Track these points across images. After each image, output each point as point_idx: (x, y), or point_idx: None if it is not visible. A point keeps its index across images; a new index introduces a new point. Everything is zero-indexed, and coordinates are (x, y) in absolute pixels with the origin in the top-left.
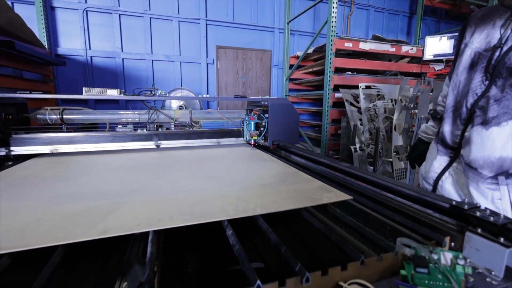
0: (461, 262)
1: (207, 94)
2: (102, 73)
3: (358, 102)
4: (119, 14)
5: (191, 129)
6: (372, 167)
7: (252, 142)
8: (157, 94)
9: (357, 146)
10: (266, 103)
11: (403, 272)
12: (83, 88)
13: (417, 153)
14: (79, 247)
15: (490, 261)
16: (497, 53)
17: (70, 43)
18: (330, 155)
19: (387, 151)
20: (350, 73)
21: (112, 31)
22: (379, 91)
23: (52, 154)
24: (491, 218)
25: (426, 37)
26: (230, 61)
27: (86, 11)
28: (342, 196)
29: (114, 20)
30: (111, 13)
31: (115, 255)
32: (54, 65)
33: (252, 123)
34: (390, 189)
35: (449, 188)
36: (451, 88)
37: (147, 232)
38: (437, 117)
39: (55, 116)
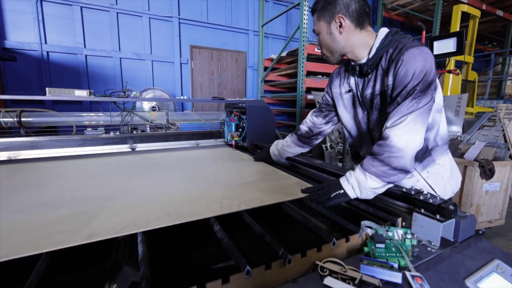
0: (409, 236)
1: (182, 94)
2: (61, 70)
3: None
4: (81, 7)
5: (168, 131)
6: (341, 164)
7: (233, 142)
8: (131, 95)
9: (328, 144)
10: (244, 105)
11: (366, 249)
12: (47, 89)
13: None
14: (64, 254)
15: (430, 234)
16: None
17: (21, 35)
18: (304, 154)
19: None
20: (320, 76)
21: (72, 25)
22: None
23: (10, 161)
24: (431, 200)
25: None
26: (205, 62)
27: (41, 0)
28: None
29: (75, 13)
30: (71, 5)
31: (101, 260)
32: (0, 60)
33: (233, 124)
34: None
35: None
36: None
37: (133, 235)
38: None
39: (11, 119)
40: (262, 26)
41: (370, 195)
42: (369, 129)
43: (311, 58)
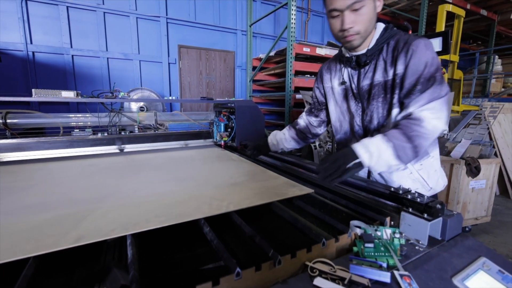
0: (398, 235)
1: (170, 94)
2: (47, 70)
3: None
4: (67, 7)
5: (156, 131)
6: None
7: (223, 143)
8: (119, 96)
9: (317, 143)
10: (233, 105)
11: (355, 248)
12: (33, 90)
13: None
14: (52, 257)
15: (418, 233)
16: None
17: (6, 35)
18: (293, 153)
19: None
20: (309, 76)
21: (59, 25)
22: None
23: None
24: (418, 199)
25: None
26: (193, 61)
27: (26, 0)
28: (305, 190)
29: (61, 13)
30: (57, 4)
31: (89, 262)
32: None
33: (222, 124)
34: (345, 182)
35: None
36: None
37: (122, 237)
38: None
39: None
40: (250, 26)
41: (383, 168)
42: (363, 121)
43: (299, 57)
